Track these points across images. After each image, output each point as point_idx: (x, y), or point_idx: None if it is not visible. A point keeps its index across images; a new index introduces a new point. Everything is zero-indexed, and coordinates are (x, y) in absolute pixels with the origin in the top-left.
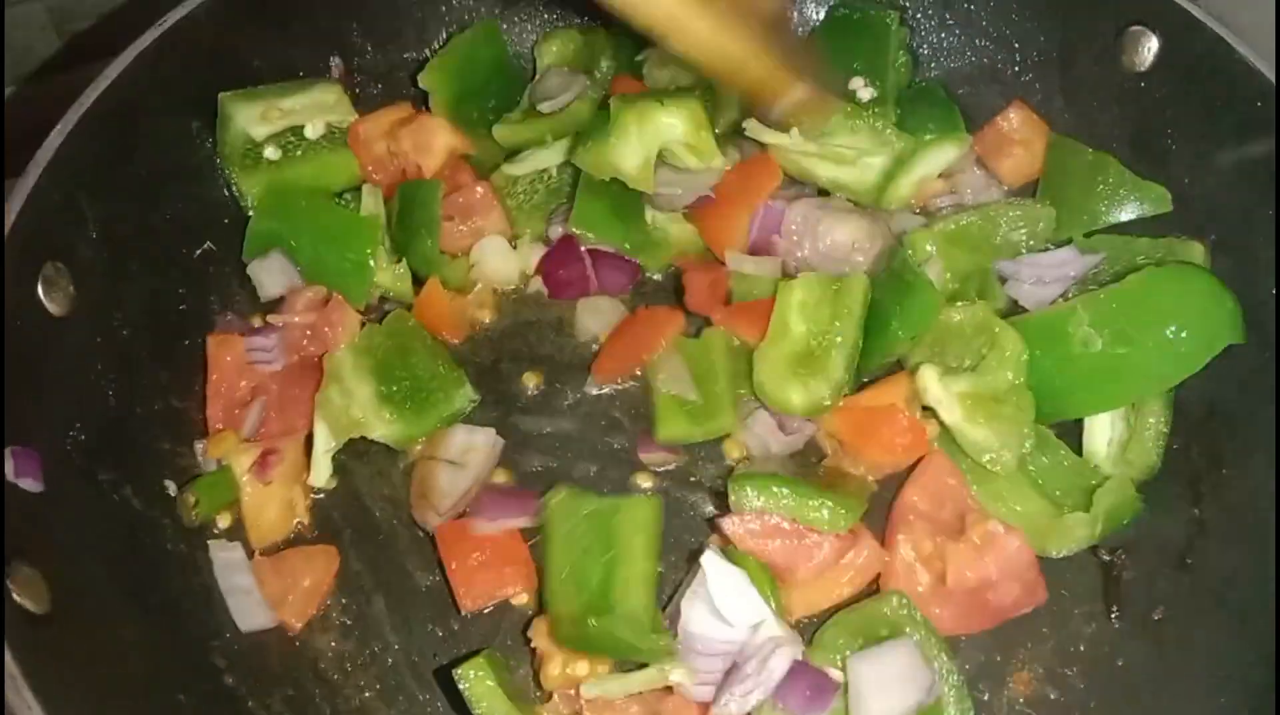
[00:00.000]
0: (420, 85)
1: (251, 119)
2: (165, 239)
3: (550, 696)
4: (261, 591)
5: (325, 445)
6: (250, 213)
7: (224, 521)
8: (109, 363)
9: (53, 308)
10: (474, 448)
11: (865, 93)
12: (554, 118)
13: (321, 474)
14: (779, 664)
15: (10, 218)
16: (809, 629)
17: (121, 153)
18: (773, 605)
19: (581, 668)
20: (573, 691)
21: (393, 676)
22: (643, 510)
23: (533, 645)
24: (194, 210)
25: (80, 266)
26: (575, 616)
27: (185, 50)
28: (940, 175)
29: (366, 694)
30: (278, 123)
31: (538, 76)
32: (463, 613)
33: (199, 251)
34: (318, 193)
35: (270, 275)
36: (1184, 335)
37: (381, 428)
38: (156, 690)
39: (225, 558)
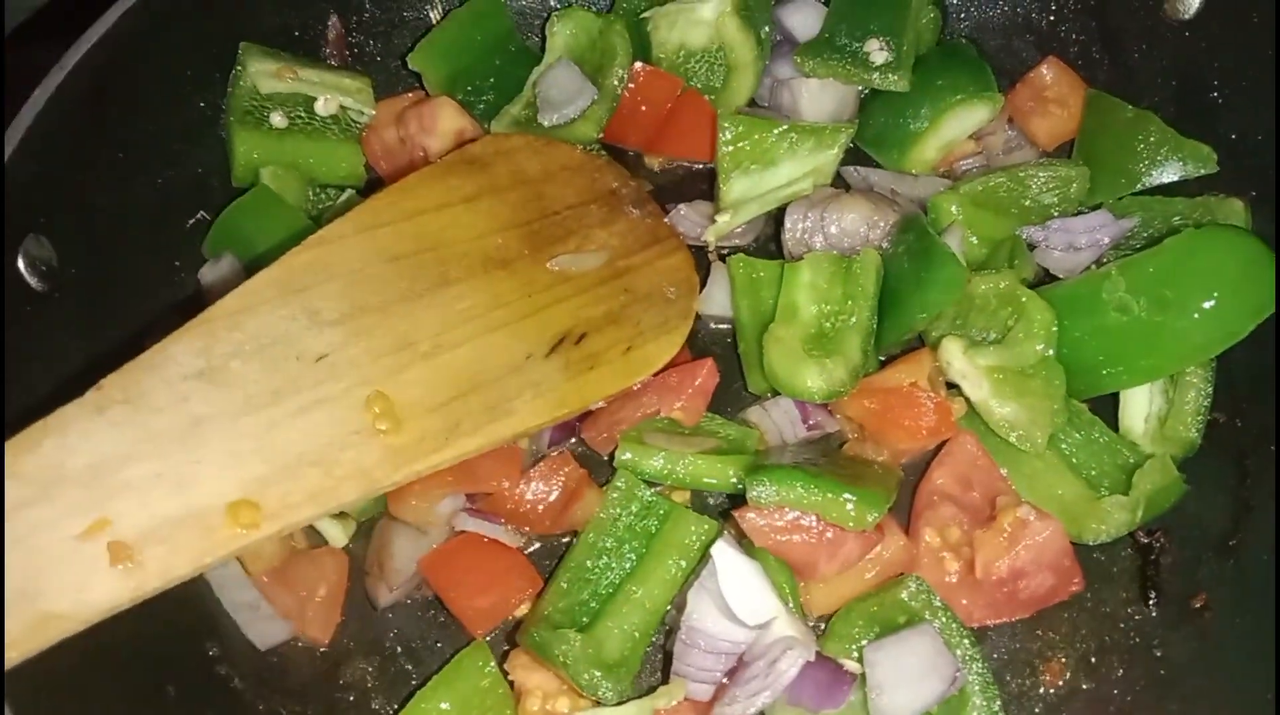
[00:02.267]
0: (411, 67)
1: (264, 73)
2: (154, 209)
3: None
4: (275, 608)
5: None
6: (236, 183)
7: None
8: (94, 341)
9: (34, 283)
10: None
11: (879, 55)
12: (554, 131)
13: (337, 535)
14: (788, 666)
15: None
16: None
17: (106, 120)
18: (790, 603)
19: (563, 704)
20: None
21: None
22: (693, 530)
23: (510, 679)
24: (186, 180)
25: (63, 239)
26: (551, 618)
27: (174, 8)
28: (971, 137)
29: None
30: (290, 85)
31: (544, 66)
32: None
33: (190, 222)
34: (297, 214)
35: (217, 281)
36: (1227, 301)
37: None
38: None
39: (220, 576)
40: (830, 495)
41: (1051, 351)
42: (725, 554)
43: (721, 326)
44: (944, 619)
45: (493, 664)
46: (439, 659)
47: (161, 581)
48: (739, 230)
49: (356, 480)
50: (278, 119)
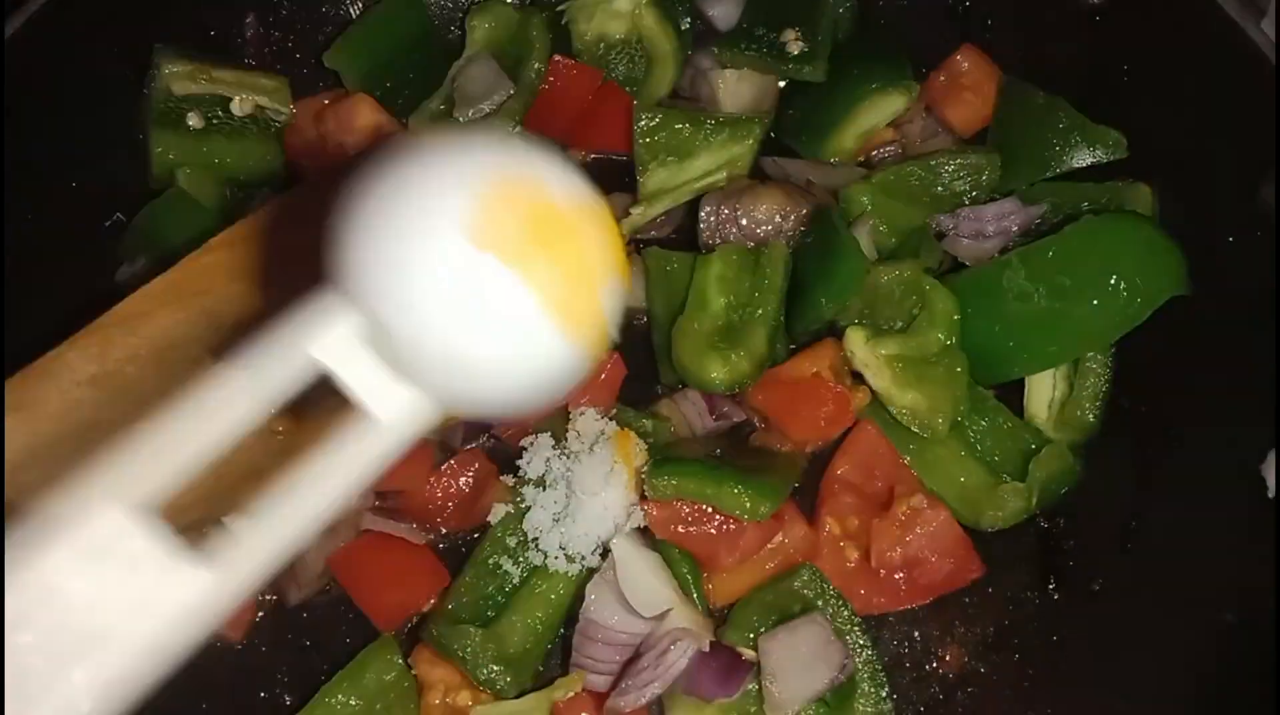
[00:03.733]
0: (327, 65)
1: (178, 75)
2: (70, 211)
3: None
4: None
5: None
6: (153, 184)
7: None
8: (7, 344)
9: None
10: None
11: (795, 46)
12: (470, 126)
13: None
14: (677, 657)
15: None
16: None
17: (19, 121)
18: (694, 594)
19: (464, 697)
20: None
21: None
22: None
23: (413, 672)
24: (102, 181)
25: None
26: (454, 613)
27: (87, 9)
28: (888, 125)
29: None
30: (204, 86)
31: (463, 60)
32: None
33: (108, 223)
34: (212, 216)
35: (132, 281)
36: (1125, 287)
37: None
38: None
39: None
40: (725, 488)
41: (953, 340)
42: (624, 547)
43: (637, 319)
44: (835, 607)
45: (399, 658)
46: (349, 654)
47: None
48: (657, 222)
49: (254, 481)
50: (194, 120)
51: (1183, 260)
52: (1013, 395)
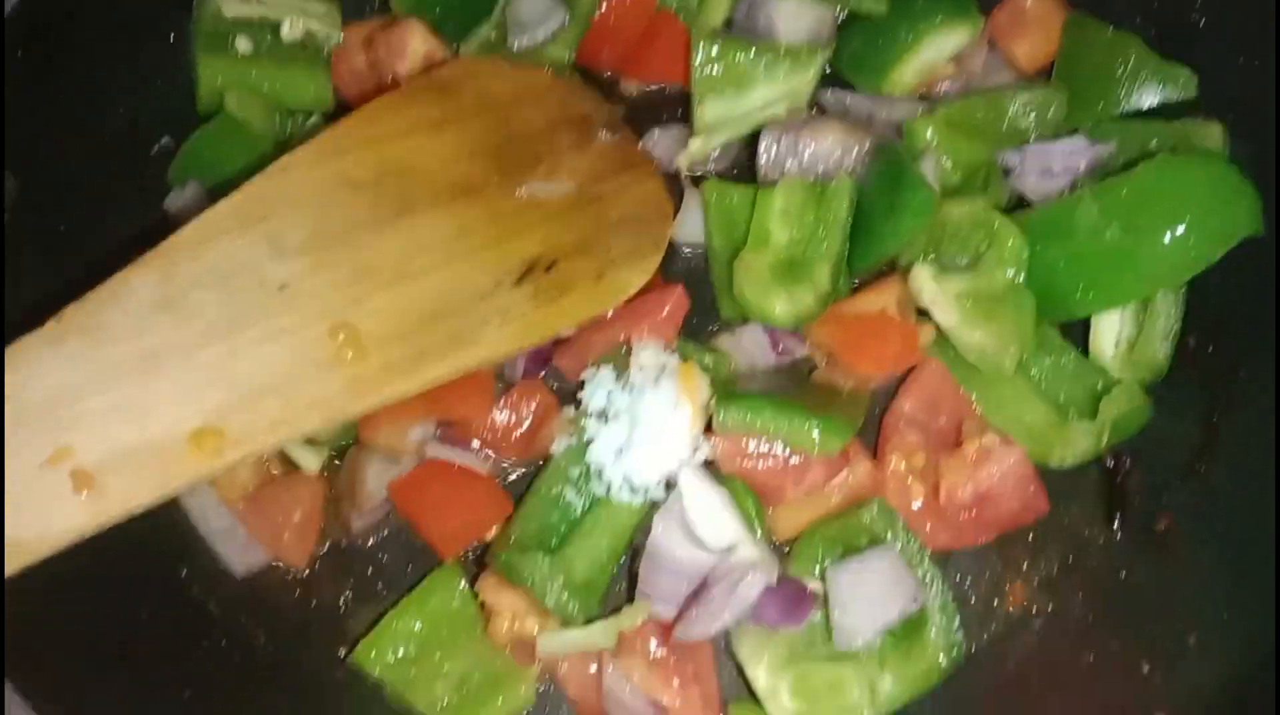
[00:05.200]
0: None
1: None
2: (119, 137)
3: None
4: (252, 534)
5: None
6: (201, 109)
7: None
8: (58, 270)
9: None
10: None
11: None
12: (525, 54)
13: (309, 461)
14: (749, 590)
15: None
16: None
17: (70, 46)
18: (757, 528)
19: (530, 623)
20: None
21: None
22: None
23: (480, 600)
24: (151, 107)
25: (26, 168)
26: (520, 541)
27: None
28: (950, 59)
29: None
30: (254, 8)
31: None
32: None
33: (155, 149)
34: (262, 141)
35: (183, 209)
36: (1198, 227)
37: None
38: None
39: (197, 503)
40: (795, 422)
41: (1022, 277)
42: (691, 479)
43: (695, 252)
44: (905, 540)
45: (464, 585)
46: (410, 583)
47: (124, 509)
48: (714, 154)
49: (319, 408)
50: (243, 44)
51: (1258, 200)
52: (1076, 335)
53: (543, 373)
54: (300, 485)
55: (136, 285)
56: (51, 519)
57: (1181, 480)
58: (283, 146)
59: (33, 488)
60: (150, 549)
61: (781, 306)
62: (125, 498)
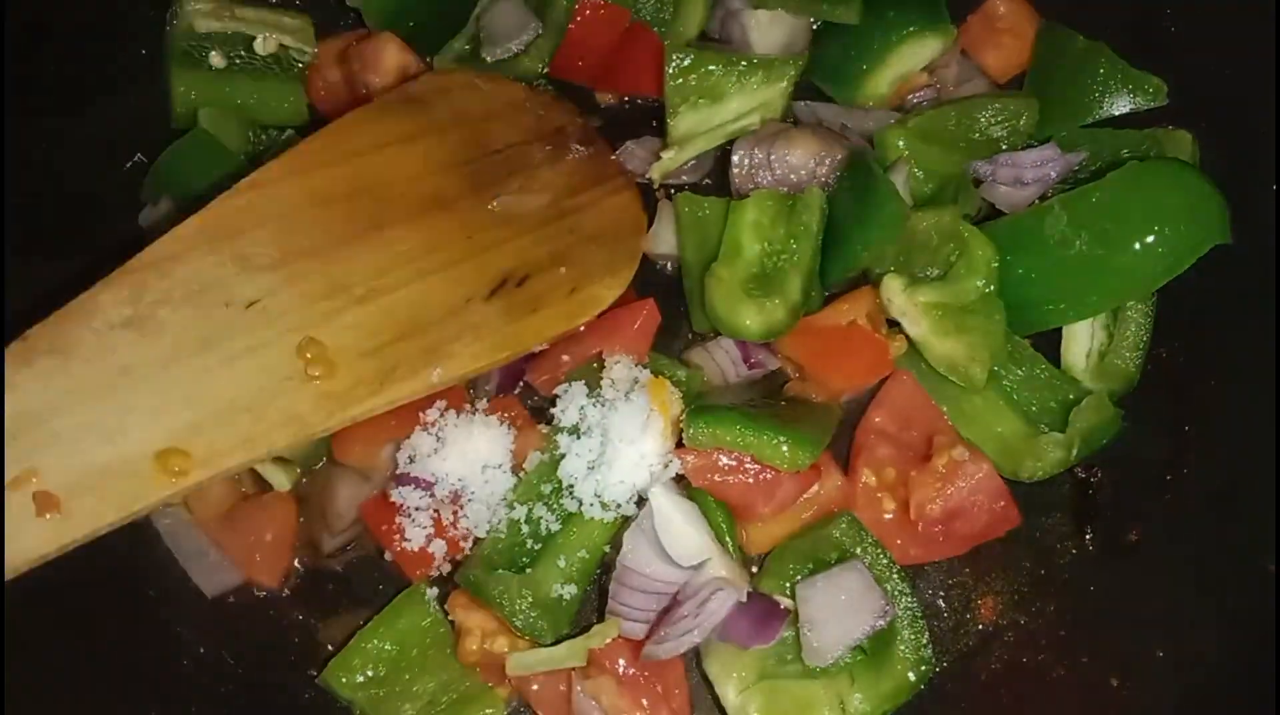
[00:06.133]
0: (349, 3)
1: (201, 11)
2: (91, 152)
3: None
4: (225, 553)
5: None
6: (175, 125)
7: None
8: (28, 287)
9: None
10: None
11: None
12: (499, 67)
13: (281, 480)
14: (718, 607)
15: None
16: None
17: (41, 60)
18: (729, 543)
19: (500, 643)
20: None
21: None
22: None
23: (450, 619)
24: (124, 122)
25: None
26: (490, 559)
27: None
28: (923, 69)
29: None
30: (227, 23)
31: None
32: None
33: (129, 164)
34: (235, 157)
35: (156, 224)
36: (1168, 235)
37: None
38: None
39: (170, 525)
40: (765, 437)
41: (992, 287)
42: (661, 496)
43: (667, 265)
44: (874, 555)
45: (434, 604)
46: (383, 601)
47: (89, 530)
48: (688, 166)
49: (289, 426)
50: (216, 59)
51: (1226, 208)
52: (1048, 346)
53: (517, 389)
54: (272, 504)
55: (104, 303)
56: (13, 543)
57: (1152, 491)
58: (256, 162)
59: None
60: (119, 569)
61: (752, 319)
62: (90, 520)
